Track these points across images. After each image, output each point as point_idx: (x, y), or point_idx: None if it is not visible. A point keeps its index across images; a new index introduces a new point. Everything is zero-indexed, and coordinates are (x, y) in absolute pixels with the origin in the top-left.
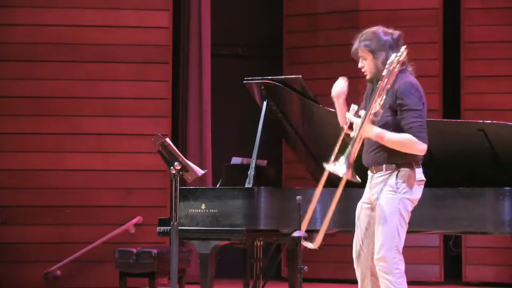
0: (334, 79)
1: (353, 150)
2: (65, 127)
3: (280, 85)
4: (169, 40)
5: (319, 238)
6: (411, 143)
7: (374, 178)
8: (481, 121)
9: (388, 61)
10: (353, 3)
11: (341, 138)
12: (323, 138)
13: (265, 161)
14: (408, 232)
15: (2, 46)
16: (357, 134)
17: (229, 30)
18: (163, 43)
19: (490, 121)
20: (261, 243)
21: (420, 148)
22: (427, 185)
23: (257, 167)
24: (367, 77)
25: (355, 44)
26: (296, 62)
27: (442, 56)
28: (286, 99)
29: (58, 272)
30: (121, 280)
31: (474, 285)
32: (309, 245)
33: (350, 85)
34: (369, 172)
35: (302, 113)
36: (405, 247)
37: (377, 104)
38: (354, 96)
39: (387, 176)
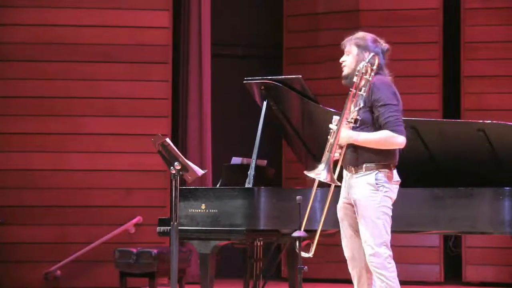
0: (334, 79)
1: (331, 155)
2: (65, 127)
3: (280, 85)
4: (169, 40)
5: (313, 246)
6: (389, 138)
7: (353, 178)
8: (481, 121)
9: (358, 68)
10: (353, 3)
11: (327, 148)
12: (323, 138)
13: (265, 161)
14: (408, 232)
15: (3, 46)
16: (334, 141)
17: (229, 30)
18: (163, 43)
19: (490, 121)
20: (261, 243)
21: (398, 141)
22: (427, 185)
23: (257, 167)
24: (343, 72)
25: (346, 39)
26: (296, 62)
27: (442, 56)
28: (286, 99)
29: (58, 272)
30: (121, 280)
31: (474, 285)
32: (306, 255)
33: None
34: (345, 172)
35: (302, 113)
36: (405, 247)
37: (354, 111)
38: None
39: (367, 176)
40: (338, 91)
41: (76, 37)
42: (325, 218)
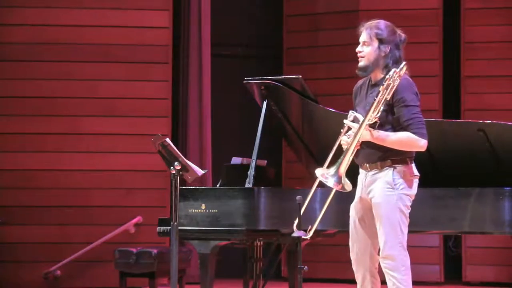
0: (334, 79)
1: (345, 160)
2: (65, 127)
3: (280, 85)
4: (169, 40)
5: (313, 229)
6: (411, 141)
7: (369, 176)
8: (481, 121)
9: (387, 76)
10: (353, 3)
11: (338, 142)
12: (323, 138)
13: (265, 161)
14: (408, 232)
15: (3, 46)
16: (352, 142)
17: (229, 30)
18: (163, 43)
19: (490, 121)
20: (261, 243)
21: (420, 144)
22: (427, 185)
23: (257, 167)
24: (361, 63)
25: (365, 27)
26: (296, 62)
27: (442, 56)
28: (286, 99)
29: (58, 272)
30: (121, 280)
31: (474, 285)
32: (304, 236)
33: (348, 85)
34: (361, 170)
35: (302, 113)
36: None
37: (375, 114)
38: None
39: (383, 173)
40: (338, 91)
41: (76, 37)
42: (326, 219)
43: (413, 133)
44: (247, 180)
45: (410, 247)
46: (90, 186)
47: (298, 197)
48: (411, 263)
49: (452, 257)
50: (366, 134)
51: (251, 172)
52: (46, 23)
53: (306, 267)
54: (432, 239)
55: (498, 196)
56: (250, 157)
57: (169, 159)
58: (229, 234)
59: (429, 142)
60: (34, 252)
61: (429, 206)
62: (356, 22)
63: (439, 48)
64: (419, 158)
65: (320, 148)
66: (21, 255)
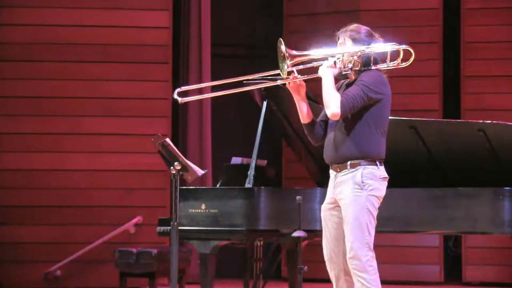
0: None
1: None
2: (65, 127)
3: (280, 85)
4: (169, 40)
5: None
6: (332, 100)
7: (339, 177)
8: (481, 121)
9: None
10: (353, 3)
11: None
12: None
13: (265, 161)
14: (408, 232)
15: (2, 46)
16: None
17: (229, 30)
18: (163, 43)
19: (490, 121)
20: (261, 243)
21: (333, 109)
22: (427, 185)
23: (257, 167)
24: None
25: (341, 30)
26: None
27: (442, 56)
28: (286, 99)
29: (58, 272)
30: (121, 280)
31: (474, 285)
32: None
33: None
34: (331, 171)
35: None
36: (405, 247)
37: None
38: None
39: (352, 174)
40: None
41: (76, 37)
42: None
43: (341, 100)
44: (247, 180)
45: (410, 247)
46: (90, 186)
47: (298, 197)
48: (411, 263)
49: (452, 257)
50: (323, 66)
51: (251, 172)
52: (46, 23)
53: (306, 267)
54: (432, 239)
55: (497, 196)
56: (250, 157)
57: (169, 159)
58: (229, 234)
59: (429, 142)
60: (34, 252)
61: (428, 206)
62: (356, 22)
63: (439, 48)
64: (420, 158)
65: (320, 147)
66: (21, 255)
